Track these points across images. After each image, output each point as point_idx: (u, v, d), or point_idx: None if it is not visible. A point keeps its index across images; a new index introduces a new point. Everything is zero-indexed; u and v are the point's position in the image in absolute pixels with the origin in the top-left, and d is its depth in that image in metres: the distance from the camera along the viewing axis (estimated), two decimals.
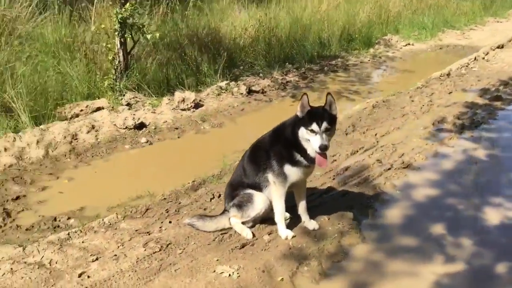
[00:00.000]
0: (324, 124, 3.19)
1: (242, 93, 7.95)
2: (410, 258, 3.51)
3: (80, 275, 3.28)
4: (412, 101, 7.36)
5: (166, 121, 6.58)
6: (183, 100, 6.99)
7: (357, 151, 5.33)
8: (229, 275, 3.25)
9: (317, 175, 4.70)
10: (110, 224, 3.97)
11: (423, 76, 9.08)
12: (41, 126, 5.87)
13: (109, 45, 7.72)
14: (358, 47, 11.68)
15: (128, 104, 7.10)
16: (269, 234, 3.74)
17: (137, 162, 5.52)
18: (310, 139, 3.22)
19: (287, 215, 3.86)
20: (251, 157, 3.69)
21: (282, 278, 3.25)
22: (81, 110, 6.66)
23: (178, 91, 7.38)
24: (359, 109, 6.97)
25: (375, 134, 5.84)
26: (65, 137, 5.69)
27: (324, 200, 4.27)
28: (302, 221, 3.82)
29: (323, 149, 3.19)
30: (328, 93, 3.31)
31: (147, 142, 5.95)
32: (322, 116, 3.21)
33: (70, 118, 6.34)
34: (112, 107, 6.82)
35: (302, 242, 3.63)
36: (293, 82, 8.95)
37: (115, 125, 6.16)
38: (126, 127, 6.14)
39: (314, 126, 3.18)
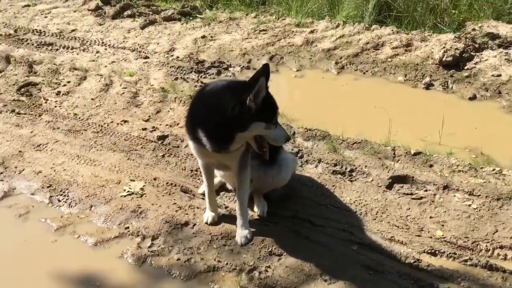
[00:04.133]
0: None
1: None
2: None
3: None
4: None
5: None
6: None
7: None
8: (131, 191, 2.99)
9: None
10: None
11: None
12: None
13: None
14: None
15: None
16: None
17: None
18: (267, 134, 2.34)
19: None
20: None
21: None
22: (473, 30, 5.04)
23: None
24: None
25: None
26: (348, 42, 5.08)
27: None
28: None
29: (288, 139, 2.45)
30: (266, 64, 2.27)
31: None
32: (275, 101, 2.38)
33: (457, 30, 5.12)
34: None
35: (209, 232, 2.66)
36: None
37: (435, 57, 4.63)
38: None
39: (276, 119, 2.35)
